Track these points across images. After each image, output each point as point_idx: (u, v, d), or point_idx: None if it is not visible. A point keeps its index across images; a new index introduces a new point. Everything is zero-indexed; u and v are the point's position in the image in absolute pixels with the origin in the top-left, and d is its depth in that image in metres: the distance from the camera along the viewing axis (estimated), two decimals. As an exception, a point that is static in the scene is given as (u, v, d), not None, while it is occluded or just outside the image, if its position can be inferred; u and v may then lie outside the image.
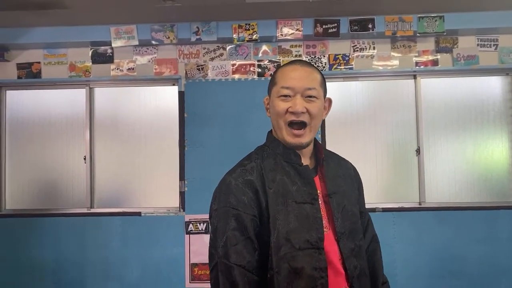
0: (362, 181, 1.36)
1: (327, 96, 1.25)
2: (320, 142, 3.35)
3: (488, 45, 3.47)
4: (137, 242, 3.40)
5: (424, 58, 3.49)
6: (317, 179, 1.20)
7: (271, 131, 1.27)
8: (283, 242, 1.08)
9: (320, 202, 1.16)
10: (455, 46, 3.47)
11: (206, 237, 3.38)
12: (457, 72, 3.51)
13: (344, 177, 1.27)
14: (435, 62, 3.48)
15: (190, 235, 3.39)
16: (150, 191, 3.58)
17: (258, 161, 1.18)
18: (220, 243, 1.09)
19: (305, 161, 1.22)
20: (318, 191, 1.18)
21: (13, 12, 3.08)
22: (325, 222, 1.14)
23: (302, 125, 1.16)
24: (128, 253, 3.40)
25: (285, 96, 1.15)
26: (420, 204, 3.44)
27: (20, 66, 3.58)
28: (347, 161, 1.37)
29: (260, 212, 1.11)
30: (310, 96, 1.15)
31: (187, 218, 3.39)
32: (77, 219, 3.45)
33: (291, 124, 1.16)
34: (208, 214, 1.19)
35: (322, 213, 1.15)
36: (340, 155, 1.38)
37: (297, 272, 1.07)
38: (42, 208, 3.56)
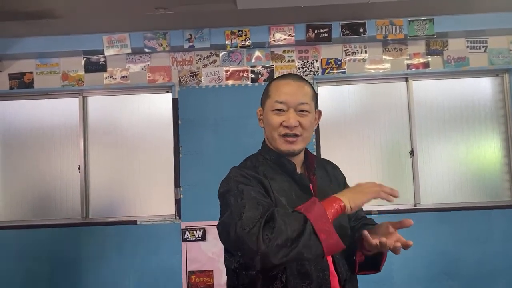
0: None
1: (318, 108, 1.31)
2: (316, 145, 3.39)
3: (478, 47, 3.52)
4: (133, 251, 3.38)
5: (415, 61, 3.52)
6: (310, 187, 1.24)
7: (265, 140, 1.29)
8: None
9: None
10: (446, 48, 3.51)
11: (203, 244, 3.37)
12: (448, 74, 3.55)
13: (333, 183, 1.32)
14: (426, 65, 3.52)
15: (187, 242, 3.37)
16: (145, 199, 3.55)
17: (260, 168, 1.21)
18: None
19: (298, 170, 1.26)
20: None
21: (4, 22, 3.07)
22: None
23: (295, 136, 1.20)
24: (124, 262, 3.37)
25: (279, 110, 1.19)
26: (415, 206, 3.46)
27: (12, 77, 3.56)
28: (335, 166, 1.41)
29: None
30: (303, 111, 1.19)
31: (183, 225, 3.38)
32: (72, 229, 3.42)
33: (285, 136, 1.20)
34: (220, 198, 1.16)
35: None
36: (328, 159, 1.43)
37: (305, 274, 1.10)
38: (36, 219, 3.52)
